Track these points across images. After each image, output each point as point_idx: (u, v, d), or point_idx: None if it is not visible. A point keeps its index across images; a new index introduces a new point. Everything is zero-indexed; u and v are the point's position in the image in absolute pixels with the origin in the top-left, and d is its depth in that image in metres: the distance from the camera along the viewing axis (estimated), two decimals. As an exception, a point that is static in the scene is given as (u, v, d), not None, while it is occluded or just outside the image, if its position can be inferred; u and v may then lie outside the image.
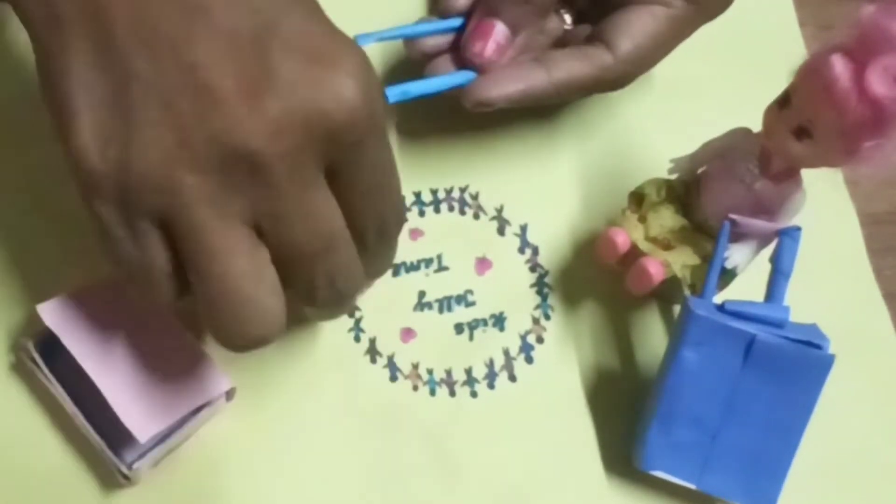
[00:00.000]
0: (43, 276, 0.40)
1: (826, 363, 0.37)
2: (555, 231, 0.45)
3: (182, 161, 0.28)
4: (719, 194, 0.39)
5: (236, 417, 0.40)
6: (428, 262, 0.44)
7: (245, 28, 0.28)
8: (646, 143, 0.47)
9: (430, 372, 0.42)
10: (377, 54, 0.46)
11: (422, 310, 0.43)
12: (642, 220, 0.42)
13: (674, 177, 0.43)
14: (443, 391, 0.42)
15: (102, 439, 0.36)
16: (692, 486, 0.39)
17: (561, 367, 0.43)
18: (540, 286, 0.44)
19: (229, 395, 0.39)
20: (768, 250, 0.39)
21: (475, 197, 0.46)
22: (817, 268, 0.44)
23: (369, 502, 0.39)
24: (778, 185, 0.38)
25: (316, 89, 0.28)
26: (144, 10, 0.28)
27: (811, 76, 0.34)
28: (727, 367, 0.38)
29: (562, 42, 0.43)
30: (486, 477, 0.40)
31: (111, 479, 0.37)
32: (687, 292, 0.40)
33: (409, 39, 0.41)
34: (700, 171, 0.41)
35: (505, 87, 0.39)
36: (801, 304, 0.38)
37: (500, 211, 0.45)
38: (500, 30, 0.39)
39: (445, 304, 0.43)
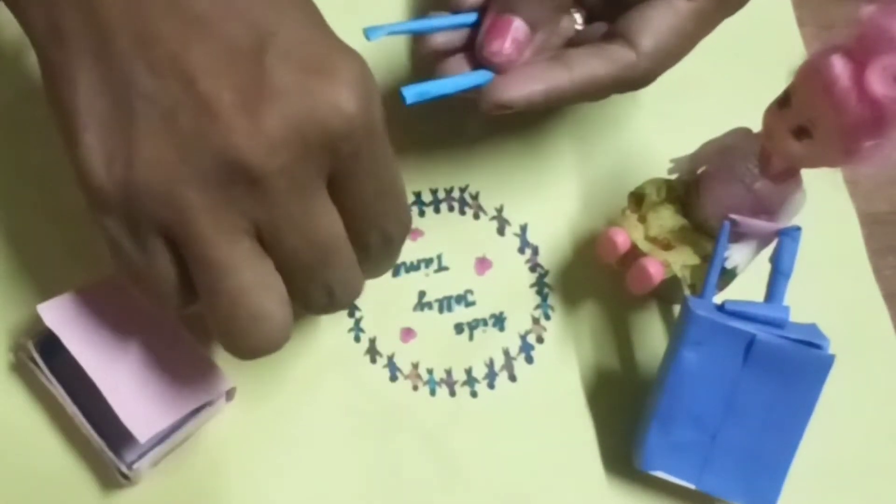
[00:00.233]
0: (43, 276, 0.40)
1: (826, 363, 0.37)
2: (555, 231, 0.45)
3: (183, 177, 0.28)
4: (719, 194, 0.39)
5: (236, 417, 0.40)
6: (428, 261, 0.44)
7: (243, 40, 0.28)
8: (646, 143, 0.47)
9: (430, 372, 0.42)
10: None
11: (422, 310, 0.43)
12: (642, 220, 0.42)
13: (674, 177, 0.43)
14: (443, 391, 0.42)
15: (102, 439, 0.36)
16: (692, 486, 0.39)
17: (561, 367, 0.43)
18: (540, 286, 0.44)
19: (229, 395, 0.39)
20: (768, 250, 0.39)
21: (475, 197, 0.46)
22: (817, 268, 0.44)
23: (369, 502, 0.39)
24: (778, 185, 0.38)
25: (311, 100, 0.28)
26: (145, 24, 0.28)
27: (811, 76, 0.34)
28: (727, 367, 0.38)
29: (574, 43, 0.40)
30: (486, 477, 0.40)
31: (111, 479, 0.37)
32: (687, 292, 0.40)
33: (421, 35, 0.38)
34: (700, 171, 0.41)
35: (525, 87, 0.36)
36: (801, 304, 0.38)
37: (500, 211, 0.45)
38: (518, 26, 0.36)
39: (445, 304, 0.43)
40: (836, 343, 0.37)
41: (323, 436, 0.40)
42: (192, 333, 0.39)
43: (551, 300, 0.44)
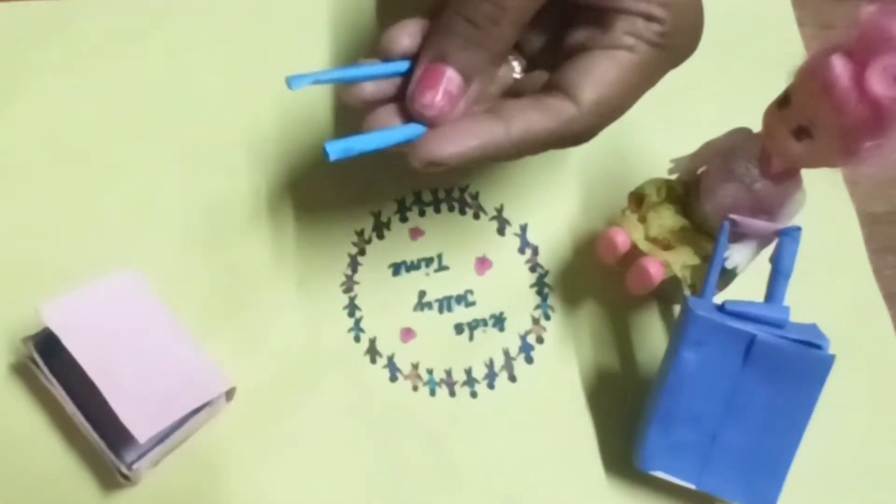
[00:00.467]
0: (43, 276, 0.40)
1: (826, 363, 0.37)
2: (555, 231, 0.45)
3: None
4: (719, 194, 0.39)
5: (236, 417, 0.40)
6: (428, 261, 0.44)
7: None
8: (646, 143, 0.47)
9: (430, 372, 0.42)
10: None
11: (422, 310, 0.43)
12: (642, 220, 0.42)
13: (674, 177, 0.43)
14: (443, 391, 0.42)
15: (102, 439, 0.36)
16: (692, 486, 0.39)
17: (561, 367, 0.43)
18: (540, 286, 0.44)
19: (229, 395, 0.39)
20: (768, 250, 0.39)
21: (475, 197, 0.46)
22: (817, 268, 0.44)
23: (369, 502, 0.39)
24: (778, 185, 0.38)
25: None
26: None
27: (811, 76, 0.34)
28: (727, 368, 0.38)
29: (513, 92, 0.38)
30: (486, 477, 0.40)
31: (111, 479, 0.37)
32: (687, 292, 0.40)
33: (347, 84, 0.35)
34: (700, 171, 0.41)
35: (460, 143, 0.33)
36: (801, 304, 0.38)
37: (500, 211, 0.45)
38: (451, 77, 0.33)
39: (445, 304, 0.43)
40: (836, 343, 0.37)
41: (323, 436, 0.40)
42: (192, 333, 0.39)
43: (551, 300, 0.44)
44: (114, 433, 0.36)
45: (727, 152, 0.40)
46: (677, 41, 0.35)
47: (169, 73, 0.46)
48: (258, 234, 0.43)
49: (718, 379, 0.38)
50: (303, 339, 0.42)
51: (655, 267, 0.40)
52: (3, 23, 0.46)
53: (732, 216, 0.38)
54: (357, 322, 0.42)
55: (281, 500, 0.39)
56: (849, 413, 0.43)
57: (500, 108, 0.34)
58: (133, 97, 0.45)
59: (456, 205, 0.45)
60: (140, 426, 0.35)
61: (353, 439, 0.40)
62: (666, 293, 0.43)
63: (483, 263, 0.44)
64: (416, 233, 0.44)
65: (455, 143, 0.33)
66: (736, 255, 0.39)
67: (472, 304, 0.44)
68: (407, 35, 0.35)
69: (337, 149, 0.32)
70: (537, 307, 0.44)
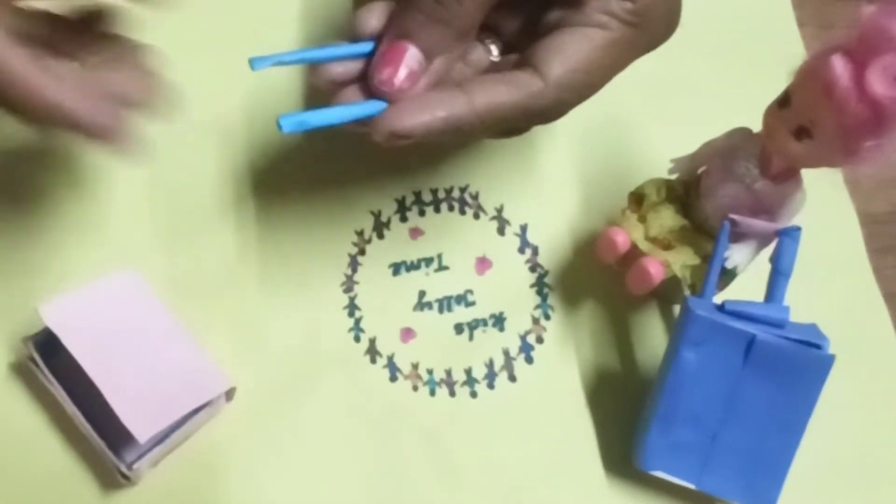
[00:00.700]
0: (43, 276, 0.40)
1: (826, 363, 0.37)
2: (555, 231, 0.45)
3: None
4: (719, 194, 0.39)
5: (236, 417, 0.40)
6: (428, 261, 0.44)
7: None
8: (646, 143, 0.47)
9: (429, 372, 0.42)
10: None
11: (422, 310, 0.43)
12: (642, 220, 0.42)
13: (674, 177, 0.43)
14: (443, 391, 0.42)
15: (102, 439, 0.36)
16: (692, 486, 0.39)
17: (561, 367, 0.43)
18: (540, 286, 0.44)
19: (229, 395, 0.39)
20: (768, 250, 0.39)
21: (475, 197, 0.46)
22: (817, 268, 0.44)
23: (369, 502, 0.39)
24: (778, 185, 0.38)
25: None
26: None
27: (811, 76, 0.34)
28: (727, 368, 0.38)
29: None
30: (485, 477, 0.40)
31: (111, 479, 0.37)
32: (687, 292, 0.40)
33: (315, 65, 0.35)
34: (700, 171, 0.41)
35: (421, 115, 0.33)
36: (801, 304, 0.38)
37: (500, 211, 0.45)
38: (412, 54, 0.34)
39: (445, 304, 0.43)
40: (836, 343, 0.37)
41: (323, 436, 0.40)
42: (192, 333, 0.39)
43: (551, 300, 0.44)
44: (114, 433, 0.36)
45: (727, 152, 0.40)
46: (650, 21, 0.35)
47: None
48: (258, 234, 0.43)
49: (718, 379, 0.38)
50: (303, 339, 0.42)
51: (655, 267, 0.40)
52: None
53: (732, 216, 0.38)
54: (357, 322, 0.42)
55: (281, 500, 0.39)
56: (849, 413, 0.43)
57: (466, 82, 0.35)
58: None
59: (456, 205, 0.45)
60: (140, 426, 0.35)
61: (352, 439, 0.40)
62: (666, 293, 0.43)
63: (483, 263, 0.44)
64: (415, 233, 0.44)
65: (417, 115, 0.33)
66: (736, 254, 0.39)
67: (472, 304, 0.44)
68: (375, 16, 0.35)
69: (290, 122, 0.32)
70: (537, 307, 0.44)
